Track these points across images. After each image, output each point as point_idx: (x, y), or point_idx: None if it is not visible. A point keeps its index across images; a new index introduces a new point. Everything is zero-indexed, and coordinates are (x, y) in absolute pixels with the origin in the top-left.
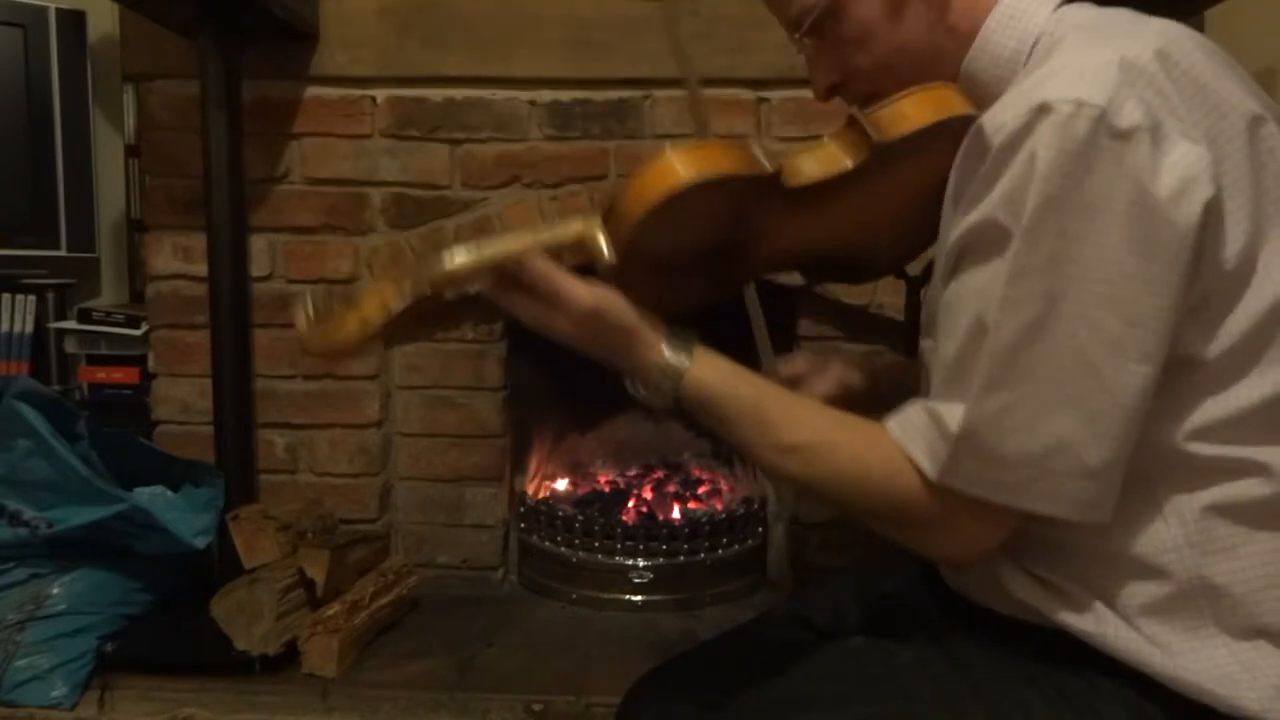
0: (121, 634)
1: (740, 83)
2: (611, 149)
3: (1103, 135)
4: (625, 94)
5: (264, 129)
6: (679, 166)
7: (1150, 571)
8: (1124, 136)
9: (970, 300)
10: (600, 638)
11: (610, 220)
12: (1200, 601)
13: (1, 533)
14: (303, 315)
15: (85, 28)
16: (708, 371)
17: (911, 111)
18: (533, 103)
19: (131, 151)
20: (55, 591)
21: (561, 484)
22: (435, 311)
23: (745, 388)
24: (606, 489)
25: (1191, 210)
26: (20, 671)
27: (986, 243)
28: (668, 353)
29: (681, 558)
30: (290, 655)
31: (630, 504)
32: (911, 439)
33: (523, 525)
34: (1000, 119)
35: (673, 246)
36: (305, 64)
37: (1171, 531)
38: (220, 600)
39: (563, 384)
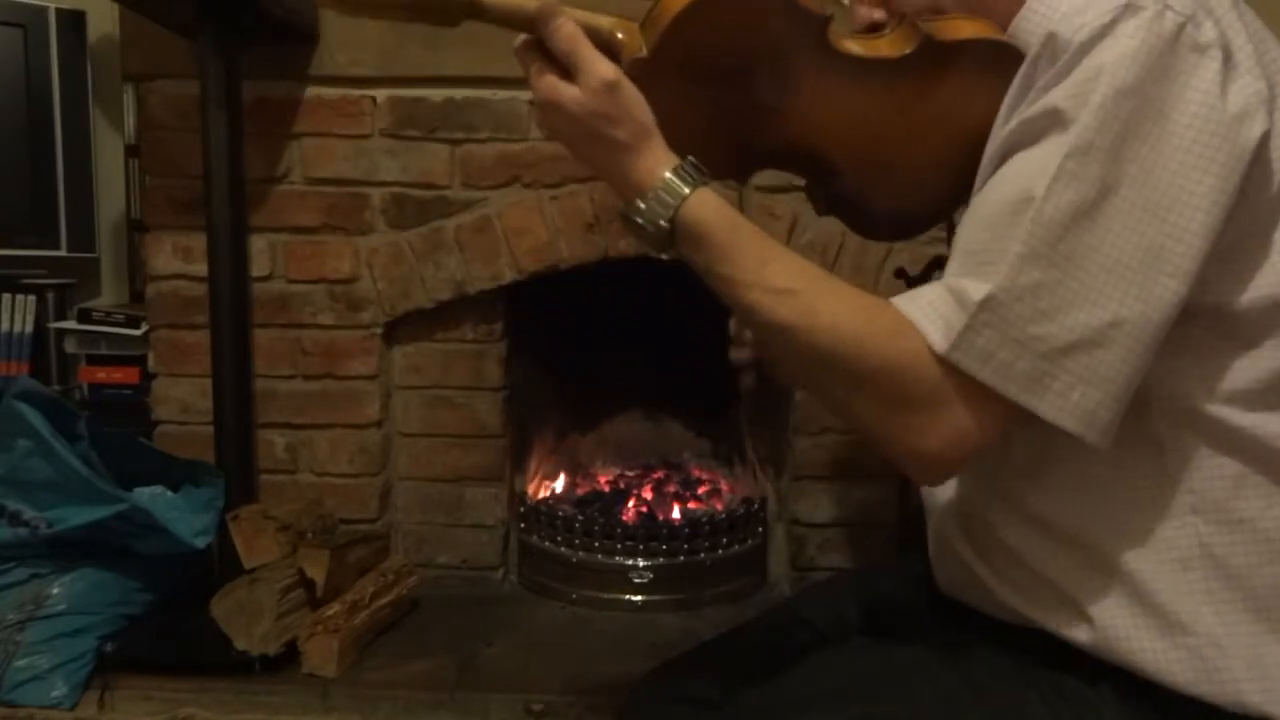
0: (121, 634)
1: None
2: None
3: (1184, 43)
4: None
5: (264, 129)
6: None
7: (1148, 555)
8: (1201, 49)
9: (1014, 178)
10: (600, 638)
11: (647, 21)
12: (1209, 583)
13: (1, 533)
14: None
15: (85, 28)
16: (710, 199)
17: (966, 26)
18: (533, 103)
19: (131, 151)
20: (55, 591)
21: (561, 484)
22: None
23: (749, 224)
24: (606, 489)
25: (1251, 135)
26: (20, 671)
27: (1041, 129)
28: (675, 170)
29: (681, 558)
30: (290, 655)
31: (630, 504)
32: (922, 311)
33: (523, 525)
34: (1079, 20)
35: (704, 56)
36: (305, 64)
37: (1179, 503)
38: (220, 600)
39: (563, 384)
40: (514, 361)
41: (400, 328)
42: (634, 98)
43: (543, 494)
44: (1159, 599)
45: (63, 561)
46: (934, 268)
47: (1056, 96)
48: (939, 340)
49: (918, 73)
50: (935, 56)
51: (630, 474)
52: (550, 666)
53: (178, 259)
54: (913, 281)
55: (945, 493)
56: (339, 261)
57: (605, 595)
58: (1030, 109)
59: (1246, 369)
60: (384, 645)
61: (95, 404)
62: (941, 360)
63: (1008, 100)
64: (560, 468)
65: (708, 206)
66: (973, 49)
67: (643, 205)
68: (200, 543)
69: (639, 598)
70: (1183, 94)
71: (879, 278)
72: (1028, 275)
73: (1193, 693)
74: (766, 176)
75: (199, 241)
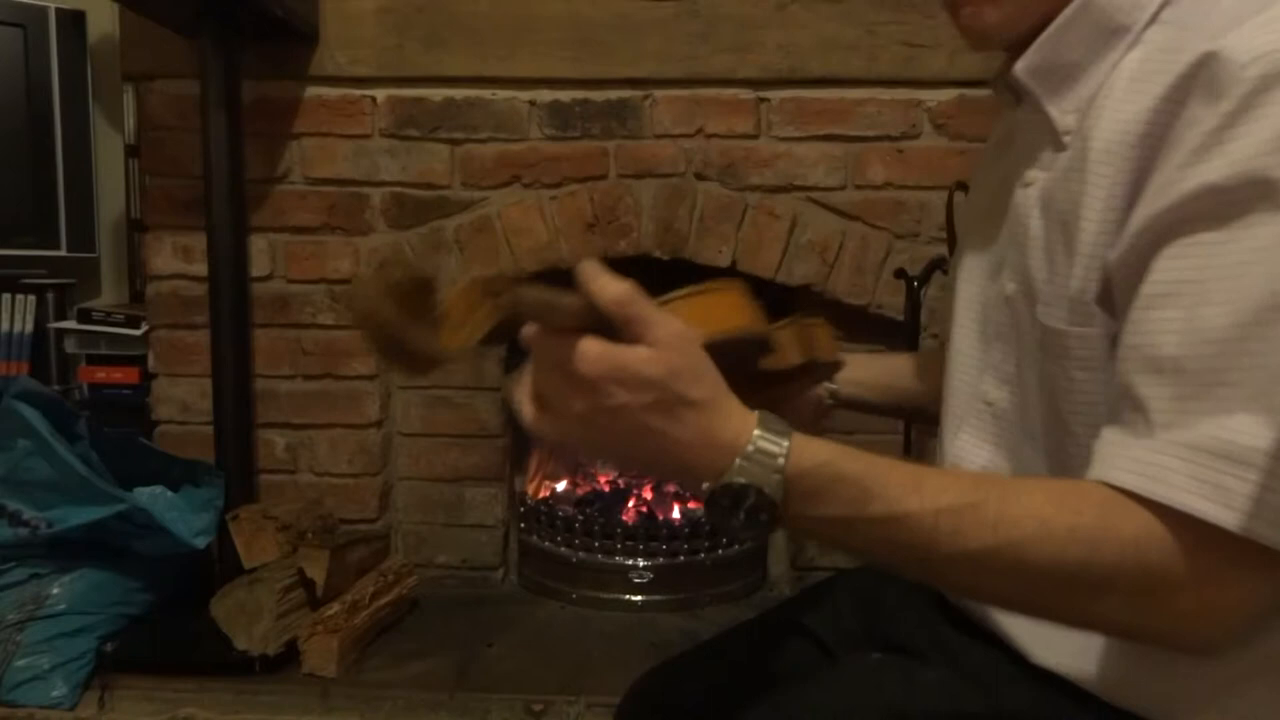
0: (121, 634)
1: (740, 83)
2: (611, 149)
3: None
4: (625, 94)
5: (264, 129)
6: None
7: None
8: None
9: (1240, 270)
10: (600, 638)
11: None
12: None
13: (1, 533)
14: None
15: (85, 28)
16: (811, 440)
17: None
18: (533, 103)
19: (131, 151)
20: (55, 591)
21: (561, 484)
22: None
23: (865, 455)
24: (606, 489)
25: None
26: (20, 671)
27: (1245, 200)
28: (761, 421)
29: (681, 558)
30: (290, 655)
31: (630, 504)
32: (1173, 485)
33: (523, 525)
34: (1253, 40)
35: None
36: (305, 64)
37: None
38: (220, 600)
39: None
40: (514, 361)
41: None
42: (703, 351)
43: (543, 494)
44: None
45: (63, 561)
46: (933, 269)
47: (1251, 157)
48: (1229, 518)
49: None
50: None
51: (630, 474)
52: (550, 666)
53: (178, 259)
54: (913, 281)
55: None
56: (339, 261)
57: (605, 595)
58: (1205, 163)
59: None
60: (384, 645)
61: (95, 404)
62: (1227, 539)
63: (1142, 125)
64: (560, 468)
65: (815, 444)
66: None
67: (744, 464)
68: (200, 543)
69: (639, 598)
70: None
71: (879, 278)
72: None
73: None
74: (767, 175)
75: (199, 241)
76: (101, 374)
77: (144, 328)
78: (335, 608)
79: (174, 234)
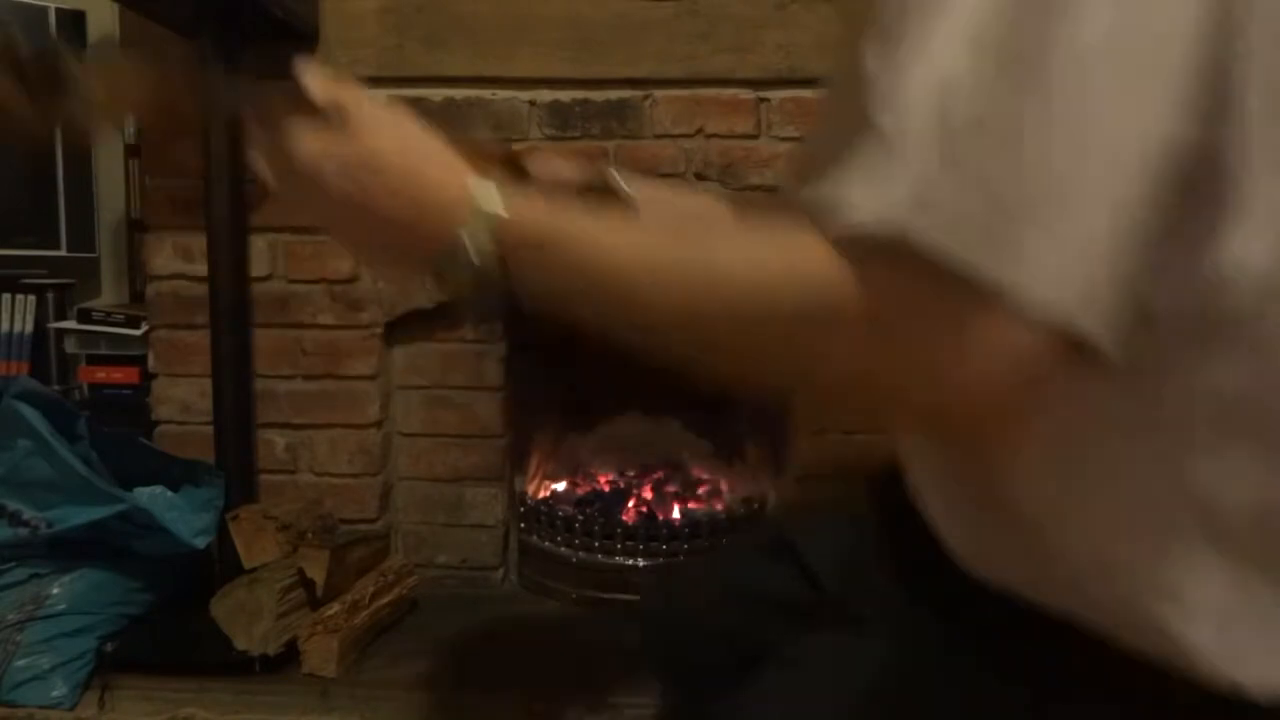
0: (121, 634)
1: (740, 83)
2: (611, 149)
3: None
4: (625, 94)
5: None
6: None
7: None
8: None
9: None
10: (600, 638)
11: None
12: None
13: (1, 533)
14: None
15: (85, 28)
16: (532, 200)
17: None
18: (533, 103)
19: (131, 151)
20: (55, 591)
21: (561, 484)
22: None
23: (576, 209)
24: (606, 489)
25: None
26: (20, 671)
27: None
28: (476, 191)
29: (681, 558)
30: (290, 655)
31: (630, 504)
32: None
33: (523, 525)
34: None
35: None
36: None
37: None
38: (220, 600)
39: (563, 384)
40: (514, 361)
41: (400, 328)
42: (411, 126)
43: (543, 494)
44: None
45: (63, 561)
46: None
47: None
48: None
49: None
50: None
51: (630, 474)
52: (550, 666)
53: (178, 259)
54: None
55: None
56: (339, 261)
57: (605, 595)
58: None
59: None
60: (384, 645)
61: (95, 404)
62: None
63: None
64: (560, 468)
65: (534, 201)
66: None
67: (462, 228)
68: (200, 543)
69: (639, 598)
70: None
71: None
72: (1005, 86)
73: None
74: (767, 175)
75: (199, 241)
76: (101, 374)
77: (144, 328)
78: (335, 608)
79: (174, 234)
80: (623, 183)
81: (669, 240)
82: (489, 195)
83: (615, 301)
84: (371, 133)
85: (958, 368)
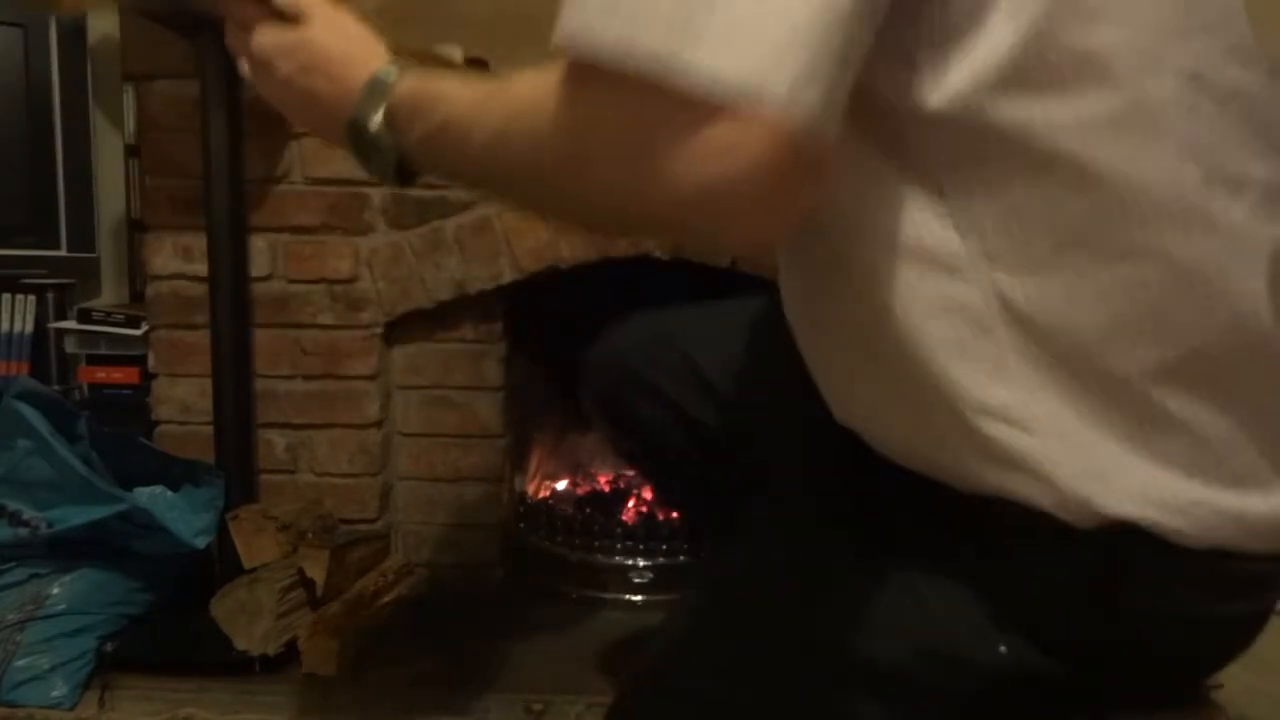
0: (121, 634)
1: None
2: None
3: None
4: None
5: (264, 129)
6: None
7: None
8: None
9: None
10: (600, 638)
11: None
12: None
13: (1, 533)
14: None
15: (85, 28)
16: (415, 76)
17: None
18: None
19: (131, 151)
20: (55, 591)
21: (561, 484)
22: None
23: (450, 77)
24: (606, 489)
25: None
26: (20, 671)
27: None
28: (382, 67)
29: (681, 558)
30: (290, 655)
31: (630, 504)
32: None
33: (523, 525)
34: None
35: None
36: None
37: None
38: (220, 600)
39: (563, 384)
40: (514, 361)
41: (400, 328)
42: (343, 19)
43: (543, 494)
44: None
45: (63, 561)
46: None
47: None
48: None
49: None
50: None
51: (630, 474)
52: (550, 666)
53: (178, 259)
54: None
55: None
56: (339, 261)
57: (605, 595)
58: None
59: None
60: (384, 645)
61: (95, 404)
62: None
63: None
64: (560, 468)
65: (425, 74)
66: None
67: (362, 98)
68: (200, 543)
69: (639, 598)
70: None
71: None
72: None
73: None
74: None
75: (199, 241)
76: (101, 374)
77: (144, 328)
78: (335, 608)
79: (174, 234)
80: None
81: (494, 85)
82: (387, 71)
83: (459, 145)
84: (310, 25)
85: (664, 177)
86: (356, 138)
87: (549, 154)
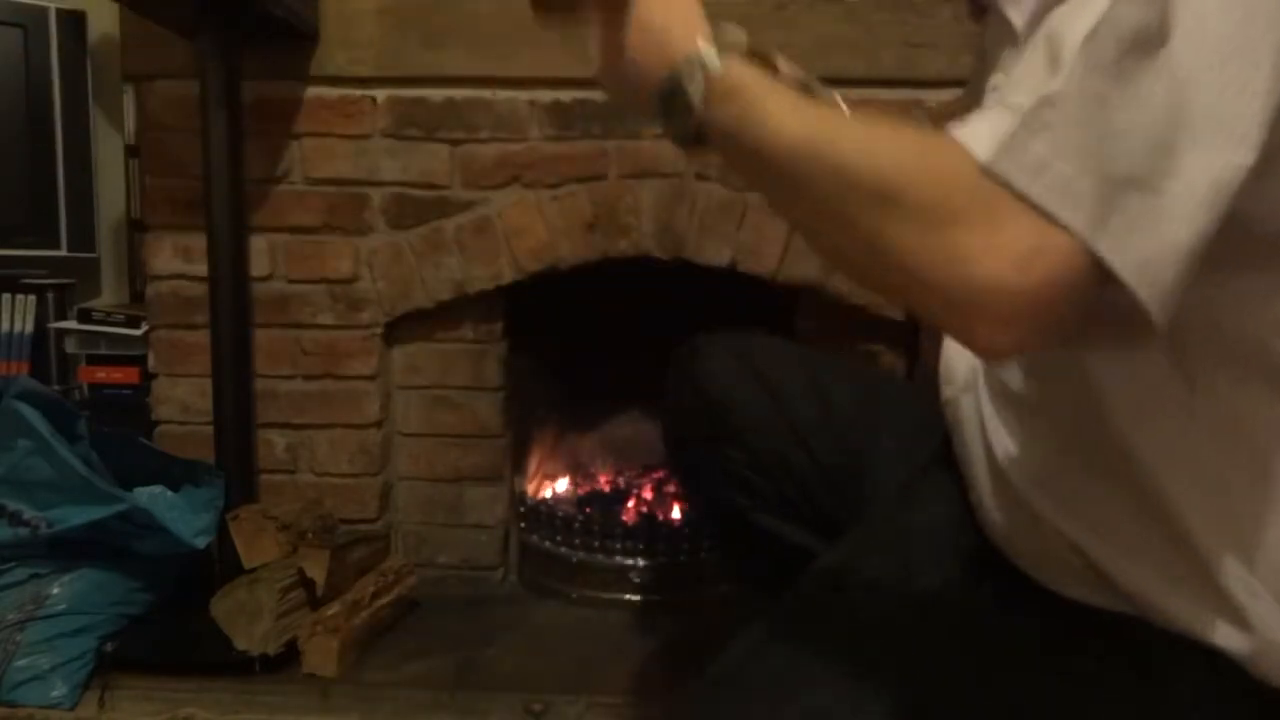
0: (121, 634)
1: None
2: (611, 149)
3: None
4: None
5: (264, 129)
6: None
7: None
8: None
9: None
10: (600, 638)
11: None
12: None
13: (1, 533)
14: None
15: (85, 28)
16: (737, 65)
17: None
18: (533, 103)
19: (131, 151)
20: (55, 591)
21: (561, 484)
22: None
23: (776, 84)
24: (606, 489)
25: None
26: (20, 671)
27: None
28: (706, 44)
29: (681, 558)
30: (290, 655)
31: (630, 504)
32: (965, 127)
33: (523, 525)
34: None
35: None
36: (305, 64)
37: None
38: (220, 600)
39: (563, 384)
40: (514, 361)
41: (400, 328)
42: None
43: (543, 494)
44: None
45: (63, 561)
46: None
47: None
48: (983, 148)
49: None
50: None
51: (630, 474)
52: (550, 666)
53: (178, 259)
54: None
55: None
56: (339, 261)
57: (605, 595)
58: None
59: None
60: (384, 645)
61: (95, 404)
62: (988, 173)
63: None
64: (560, 468)
65: (748, 65)
66: None
67: (684, 62)
68: (200, 543)
69: (639, 598)
70: None
71: None
72: (1093, 83)
73: None
74: None
75: (199, 241)
76: (101, 374)
77: (144, 328)
78: (335, 608)
79: (174, 234)
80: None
81: (833, 120)
82: (711, 53)
83: (774, 164)
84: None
85: (974, 257)
86: (670, 94)
87: (904, 188)
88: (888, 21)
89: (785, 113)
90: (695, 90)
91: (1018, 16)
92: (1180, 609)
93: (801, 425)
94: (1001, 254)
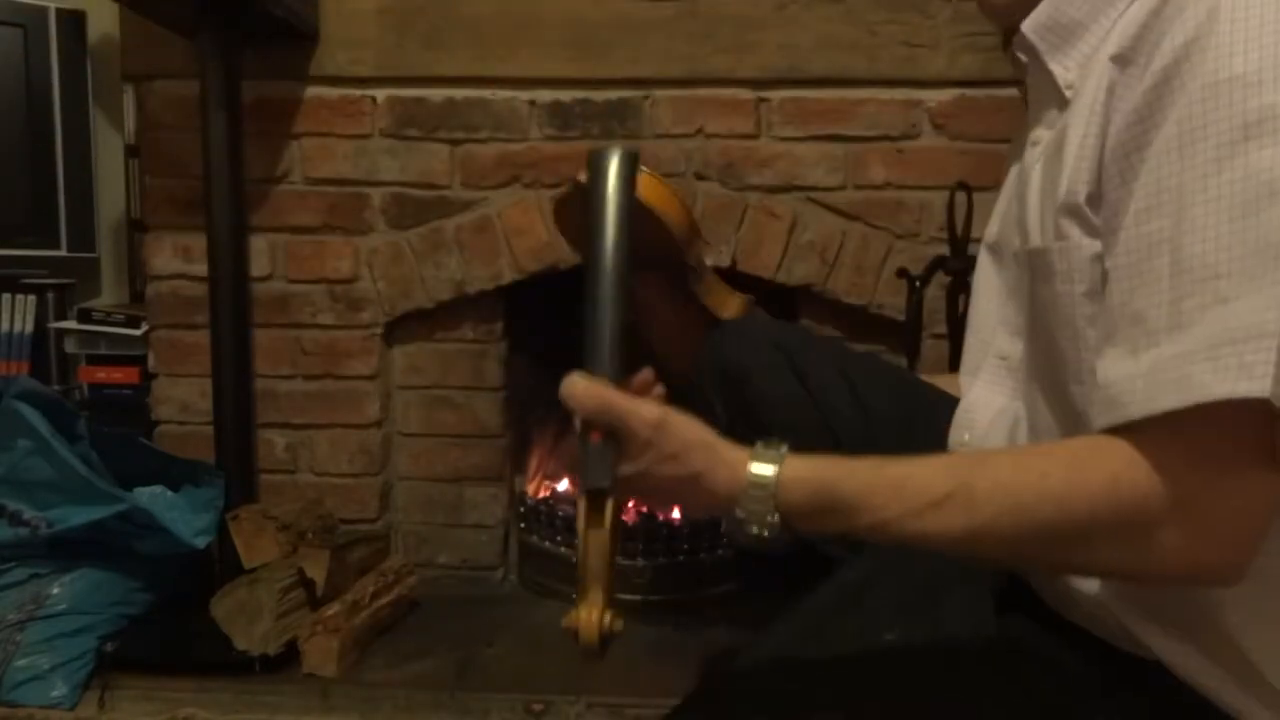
0: (121, 634)
1: (740, 83)
2: None
3: None
4: (625, 94)
5: (264, 129)
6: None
7: None
8: None
9: (1215, 167)
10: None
11: None
12: None
13: (1, 533)
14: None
15: (85, 28)
16: (802, 465)
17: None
18: (533, 103)
19: (131, 151)
20: (55, 591)
21: (562, 484)
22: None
23: (851, 461)
24: None
25: None
26: (20, 671)
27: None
28: (754, 460)
29: (681, 558)
30: (290, 655)
31: (630, 504)
32: (1197, 384)
33: (523, 525)
34: None
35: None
36: (305, 64)
37: None
38: (220, 600)
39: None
40: (514, 361)
41: (400, 328)
42: (683, 423)
43: (543, 494)
44: None
45: (63, 561)
46: (935, 268)
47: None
48: (1256, 388)
49: None
50: None
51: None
52: (550, 666)
53: (178, 259)
54: (914, 281)
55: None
56: (339, 261)
57: None
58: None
59: None
60: (384, 645)
61: (95, 404)
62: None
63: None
64: (560, 468)
65: (802, 472)
66: None
67: (743, 514)
68: (200, 543)
69: (639, 598)
70: None
71: (879, 278)
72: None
73: None
74: (767, 175)
75: (199, 241)
76: (101, 374)
77: (144, 328)
78: (335, 608)
79: (174, 234)
80: None
81: (939, 477)
82: (764, 472)
83: (909, 542)
84: (667, 441)
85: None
86: (742, 536)
87: (1090, 523)
88: (888, 21)
89: (897, 502)
90: (763, 516)
91: (1062, 71)
92: (1218, 692)
93: (834, 419)
94: (1213, 533)
